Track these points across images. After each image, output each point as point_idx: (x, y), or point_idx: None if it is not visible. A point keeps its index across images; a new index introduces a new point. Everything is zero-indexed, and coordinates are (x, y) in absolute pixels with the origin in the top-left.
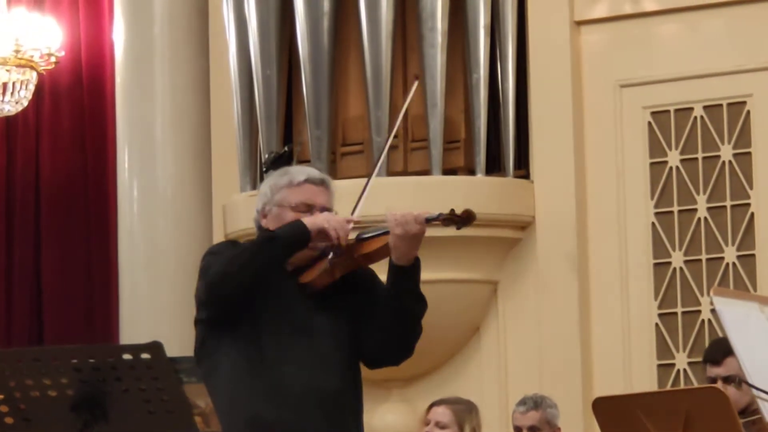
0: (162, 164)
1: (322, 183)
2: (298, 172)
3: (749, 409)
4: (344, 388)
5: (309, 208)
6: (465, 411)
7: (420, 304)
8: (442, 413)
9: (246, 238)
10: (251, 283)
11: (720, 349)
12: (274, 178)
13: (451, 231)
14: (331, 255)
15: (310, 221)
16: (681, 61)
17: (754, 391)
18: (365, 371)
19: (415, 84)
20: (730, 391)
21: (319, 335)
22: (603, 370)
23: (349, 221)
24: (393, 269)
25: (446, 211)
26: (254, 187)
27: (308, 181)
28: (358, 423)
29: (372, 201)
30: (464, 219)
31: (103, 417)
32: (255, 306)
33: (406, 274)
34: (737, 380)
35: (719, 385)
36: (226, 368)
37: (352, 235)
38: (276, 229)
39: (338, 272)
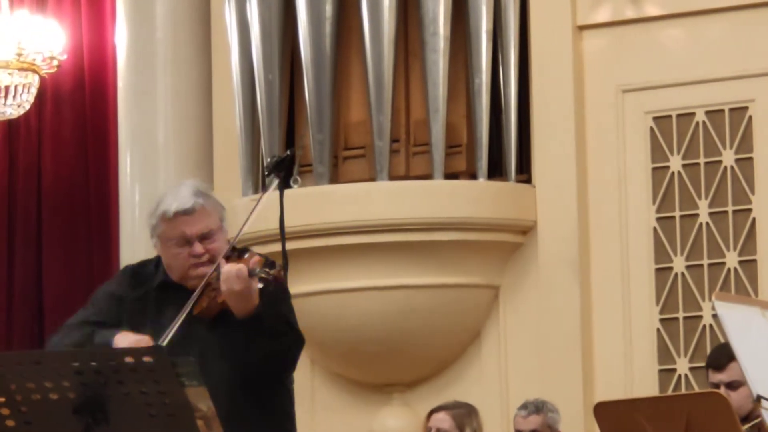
0: (164, 168)
1: (193, 211)
2: (171, 201)
3: (753, 415)
4: (240, 408)
5: (187, 242)
6: (465, 415)
7: (279, 337)
8: (442, 419)
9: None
10: None
11: (723, 355)
12: (153, 206)
13: (452, 235)
14: (214, 287)
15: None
16: (683, 66)
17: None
18: (365, 375)
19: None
20: (733, 396)
21: (212, 358)
22: (604, 375)
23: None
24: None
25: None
26: (256, 191)
27: (178, 213)
28: None
29: (374, 205)
30: (271, 281)
31: (105, 420)
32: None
33: (248, 326)
34: (757, 397)
35: (722, 390)
36: None
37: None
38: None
39: (222, 301)
